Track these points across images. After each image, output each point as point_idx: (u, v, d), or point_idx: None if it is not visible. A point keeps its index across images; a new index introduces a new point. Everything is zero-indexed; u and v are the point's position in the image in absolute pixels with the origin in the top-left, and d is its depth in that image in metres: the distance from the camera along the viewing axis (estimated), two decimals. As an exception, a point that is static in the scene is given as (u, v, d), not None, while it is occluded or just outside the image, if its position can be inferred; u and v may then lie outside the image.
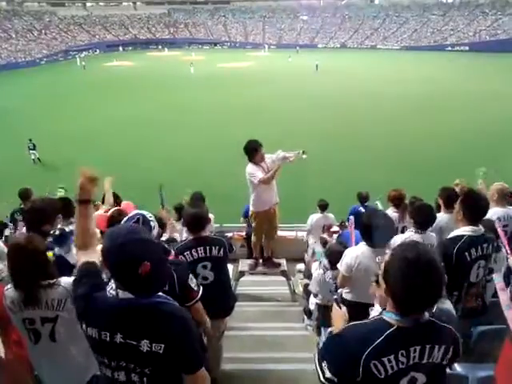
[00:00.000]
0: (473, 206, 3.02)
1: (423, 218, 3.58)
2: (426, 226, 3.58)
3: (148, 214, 2.62)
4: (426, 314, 1.59)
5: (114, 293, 1.72)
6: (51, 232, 3.10)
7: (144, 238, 1.72)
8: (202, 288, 2.81)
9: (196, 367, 1.79)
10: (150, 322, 1.69)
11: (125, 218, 2.66)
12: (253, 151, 4.97)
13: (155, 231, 2.60)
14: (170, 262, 2.61)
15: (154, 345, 1.66)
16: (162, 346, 1.66)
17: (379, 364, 1.55)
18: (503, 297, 2.12)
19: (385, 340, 1.55)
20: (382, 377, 1.55)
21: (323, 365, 1.66)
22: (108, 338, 1.69)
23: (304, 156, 4.89)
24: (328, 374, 1.63)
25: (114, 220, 3.09)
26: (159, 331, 1.68)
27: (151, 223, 2.57)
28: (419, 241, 3.38)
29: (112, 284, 1.75)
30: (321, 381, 1.67)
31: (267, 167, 5.03)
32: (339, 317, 2.21)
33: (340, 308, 2.31)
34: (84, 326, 1.75)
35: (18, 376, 2.53)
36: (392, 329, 1.57)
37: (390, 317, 1.59)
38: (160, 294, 1.80)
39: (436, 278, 1.52)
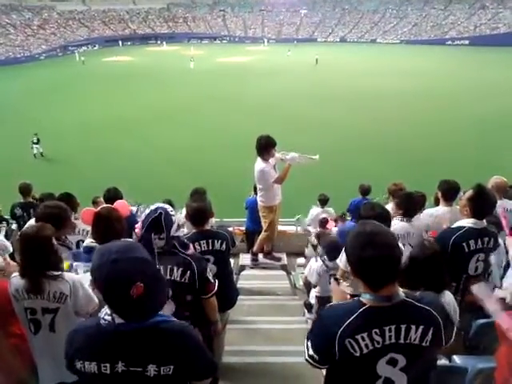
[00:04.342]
0: (481, 204, 2.99)
1: (407, 204, 3.59)
2: (412, 212, 3.58)
3: (169, 208, 2.51)
4: (401, 294, 1.63)
5: (109, 318, 1.56)
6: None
7: (139, 257, 1.55)
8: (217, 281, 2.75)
9: (209, 375, 1.76)
10: (156, 345, 1.56)
11: (146, 211, 2.48)
12: (267, 147, 4.88)
13: (175, 226, 2.51)
14: (189, 256, 2.58)
15: (162, 368, 1.55)
16: (172, 367, 1.56)
17: (354, 342, 1.58)
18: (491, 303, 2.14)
19: (357, 318, 1.60)
20: (358, 355, 1.59)
21: (308, 343, 1.74)
22: (108, 370, 1.54)
23: (315, 157, 4.88)
24: (311, 352, 1.71)
25: (101, 218, 2.79)
26: (166, 353, 1.57)
27: (173, 218, 2.49)
28: (406, 228, 3.62)
29: (106, 309, 1.59)
30: (305, 358, 1.74)
31: (273, 165, 5.03)
32: (338, 292, 2.22)
33: (338, 284, 2.27)
34: (80, 364, 1.56)
35: (14, 368, 2.55)
36: (364, 307, 1.62)
37: (364, 297, 1.64)
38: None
39: (388, 247, 1.57)
